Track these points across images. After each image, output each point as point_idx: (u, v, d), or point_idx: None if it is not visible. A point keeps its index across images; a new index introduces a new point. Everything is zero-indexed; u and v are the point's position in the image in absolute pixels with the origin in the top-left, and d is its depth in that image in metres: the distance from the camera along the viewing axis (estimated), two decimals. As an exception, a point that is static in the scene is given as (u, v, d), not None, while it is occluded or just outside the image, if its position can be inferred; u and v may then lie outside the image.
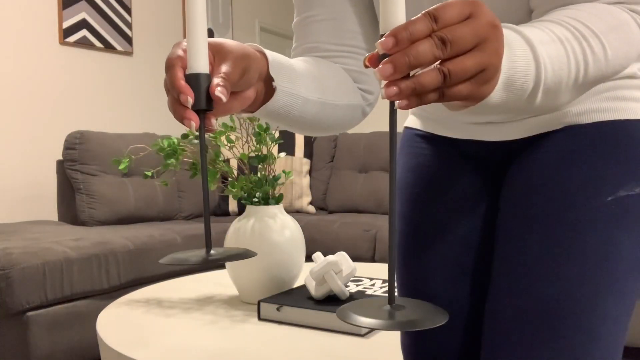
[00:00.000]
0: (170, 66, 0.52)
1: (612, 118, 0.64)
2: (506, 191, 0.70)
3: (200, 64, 0.52)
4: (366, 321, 0.44)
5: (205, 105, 0.52)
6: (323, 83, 0.70)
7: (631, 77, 0.66)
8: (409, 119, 0.86)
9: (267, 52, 0.62)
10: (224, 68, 0.53)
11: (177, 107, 0.52)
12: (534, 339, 0.61)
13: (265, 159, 1.37)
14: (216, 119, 0.57)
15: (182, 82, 0.51)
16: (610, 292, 0.60)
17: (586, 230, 0.61)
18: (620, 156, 0.63)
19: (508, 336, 0.63)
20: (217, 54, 0.55)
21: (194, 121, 0.52)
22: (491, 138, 0.73)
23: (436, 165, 0.78)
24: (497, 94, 0.50)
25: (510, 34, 0.51)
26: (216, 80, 0.52)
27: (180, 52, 0.53)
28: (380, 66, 0.42)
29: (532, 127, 0.69)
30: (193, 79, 0.51)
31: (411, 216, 0.78)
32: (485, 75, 0.45)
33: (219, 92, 0.51)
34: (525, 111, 0.58)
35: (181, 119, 0.52)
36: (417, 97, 0.44)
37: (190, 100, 0.51)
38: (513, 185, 0.69)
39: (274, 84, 0.61)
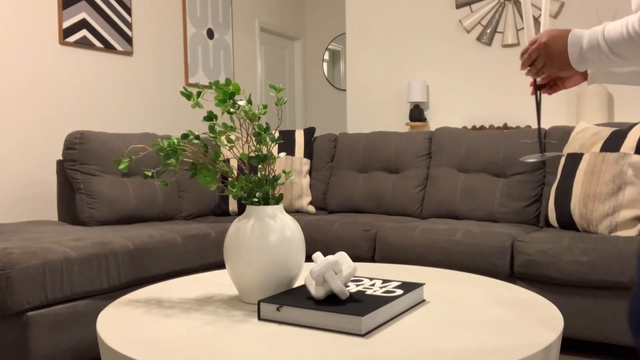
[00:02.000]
0: None
1: None
2: None
3: None
4: (532, 157, 1.21)
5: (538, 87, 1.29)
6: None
7: None
8: None
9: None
10: None
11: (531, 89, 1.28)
12: None
13: (265, 159, 1.37)
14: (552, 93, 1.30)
15: (537, 81, 1.27)
16: None
17: None
18: None
19: None
20: None
21: (532, 91, 1.26)
22: None
23: None
24: (578, 60, 1.03)
25: (594, 31, 1.01)
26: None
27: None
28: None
29: None
30: None
31: None
32: (545, 63, 1.08)
33: (539, 80, 1.26)
34: (635, 58, 0.97)
35: (531, 92, 1.27)
36: (534, 74, 1.16)
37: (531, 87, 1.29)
38: None
39: (588, 70, 1.20)
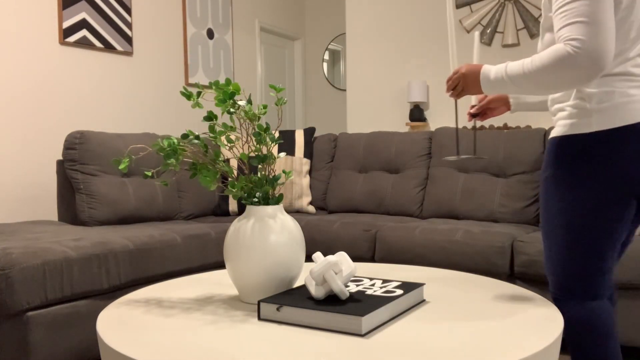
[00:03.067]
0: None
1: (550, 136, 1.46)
2: None
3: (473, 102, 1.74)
4: (450, 158, 1.69)
5: (474, 115, 1.72)
6: None
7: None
8: None
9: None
10: (480, 102, 1.71)
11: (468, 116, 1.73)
12: None
13: (265, 159, 1.37)
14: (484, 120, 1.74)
15: (471, 111, 1.71)
16: None
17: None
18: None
19: None
20: (485, 99, 1.71)
21: (469, 119, 1.71)
22: None
23: None
24: (487, 87, 1.40)
25: (499, 67, 1.38)
26: (474, 108, 1.71)
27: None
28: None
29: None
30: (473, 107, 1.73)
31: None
32: (464, 89, 1.45)
33: (473, 110, 1.70)
34: (528, 89, 1.33)
35: (468, 119, 1.72)
36: (455, 96, 1.49)
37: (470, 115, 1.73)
38: None
39: (510, 102, 1.68)
